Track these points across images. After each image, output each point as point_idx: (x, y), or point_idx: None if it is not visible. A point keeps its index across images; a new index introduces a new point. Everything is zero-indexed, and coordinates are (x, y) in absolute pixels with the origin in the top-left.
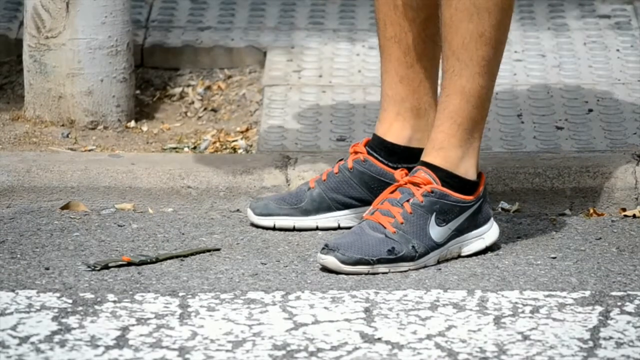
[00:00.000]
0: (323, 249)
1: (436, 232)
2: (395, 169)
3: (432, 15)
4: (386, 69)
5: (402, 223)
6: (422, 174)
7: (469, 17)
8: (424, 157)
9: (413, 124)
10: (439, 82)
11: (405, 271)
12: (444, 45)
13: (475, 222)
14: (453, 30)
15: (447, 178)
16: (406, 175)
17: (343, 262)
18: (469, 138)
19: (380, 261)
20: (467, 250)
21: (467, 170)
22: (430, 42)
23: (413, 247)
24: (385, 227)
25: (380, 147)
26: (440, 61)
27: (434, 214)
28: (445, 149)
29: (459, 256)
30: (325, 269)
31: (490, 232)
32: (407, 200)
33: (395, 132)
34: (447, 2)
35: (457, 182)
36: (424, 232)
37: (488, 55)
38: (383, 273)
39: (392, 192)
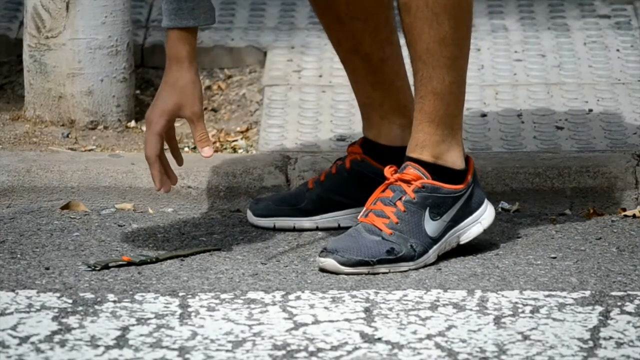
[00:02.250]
0: (322, 252)
1: (431, 226)
2: None
3: (380, 22)
4: (356, 80)
5: (397, 223)
6: (411, 169)
7: (429, 24)
8: (410, 154)
9: (400, 123)
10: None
11: (405, 271)
12: (409, 48)
13: (469, 209)
14: (415, 37)
15: (436, 170)
16: (395, 171)
17: (343, 263)
18: (450, 131)
19: (381, 262)
20: (466, 237)
21: (455, 160)
22: (387, 44)
23: (411, 246)
24: (381, 230)
25: (375, 149)
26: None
27: (428, 208)
28: (428, 146)
29: (459, 245)
30: (324, 271)
31: (485, 215)
32: (400, 199)
33: (386, 135)
34: (406, 10)
35: (446, 173)
36: (419, 229)
37: (453, 55)
38: (383, 273)
39: (383, 191)
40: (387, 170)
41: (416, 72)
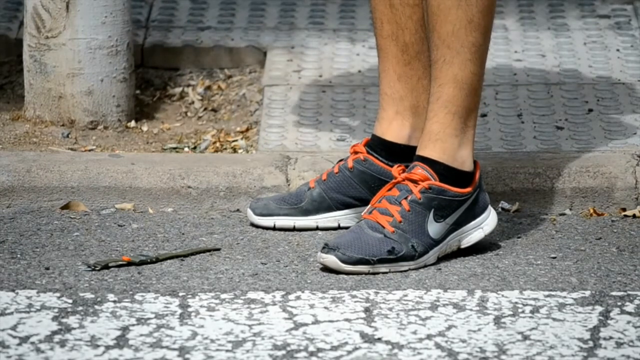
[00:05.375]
0: (323, 248)
1: (434, 228)
2: None
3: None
4: (384, 68)
5: (400, 222)
6: (419, 170)
7: (457, 4)
8: (420, 151)
9: (412, 122)
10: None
11: (405, 271)
12: (432, 34)
13: (473, 213)
14: (442, 18)
15: (445, 171)
16: (403, 171)
17: (344, 261)
18: (464, 127)
19: (381, 261)
20: (467, 242)
21: (464, 160)
22: (427, 39)
23: (412, 246)
24: (384, 227)
25: (380, 146)
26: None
27: (432, 210)
28: (441, 140)
29: (459, 249)
30: (325, 269)
31: (488, 221)
32: (405, 198)
33: (395, 131)
34: None
35: (454, 175)
36: (422, 229)
37: (477, 41)
38: (383, 273)
39: (389, 190)
40: (395, 170)
41: (437, 59)
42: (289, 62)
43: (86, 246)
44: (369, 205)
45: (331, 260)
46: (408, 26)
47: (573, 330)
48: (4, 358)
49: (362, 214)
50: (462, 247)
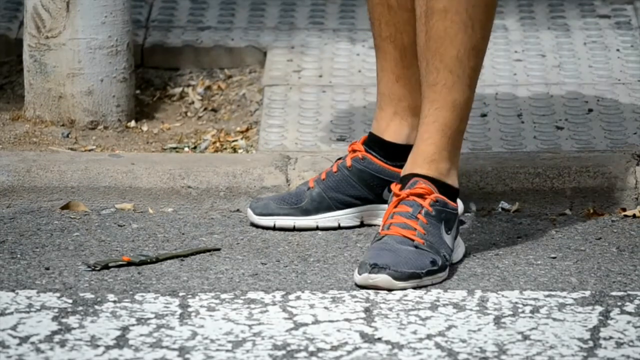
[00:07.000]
0: (373, 268)
1: (447, 239)
2: (394, 166)
3: None
4: (382, 68)
5: (424, 234)
6: (422, 184)
7: (464, 30)
8: (416, 170)
9: (411, 122)
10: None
11: (441, 282)
12: (434, 57)
13: (457, 230)
14: (447, 42)
15: (442, 188)
16: (401, 188)
17: (396, 278)
18: (456, 150)
19: (428, 273)
20: (456, 257)
21: (454, 180)
22: (421, 59)
23: (444, 256)
24: (413, 240)
25: (378, 145)
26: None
27: (443, 222)
28: (436, 161)
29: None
30: (377, 288)
31: (458, 241)
32: (419, 212)
33: (394, 131)
34: (442, 15)
35: (449, 192)
36: (442, 240)
37: (477, 67)
38: (426, 286)
39: (396, 206)
40: (394, 187)
41: (436, 82)
42: (289, 62)
43: (86, 246)
44: (382, 223)
45: (384, 279)
46: (407, 30)
47: (573, 330)
48: (4, 358)
49: (380, 230)
50: (453, 262)
